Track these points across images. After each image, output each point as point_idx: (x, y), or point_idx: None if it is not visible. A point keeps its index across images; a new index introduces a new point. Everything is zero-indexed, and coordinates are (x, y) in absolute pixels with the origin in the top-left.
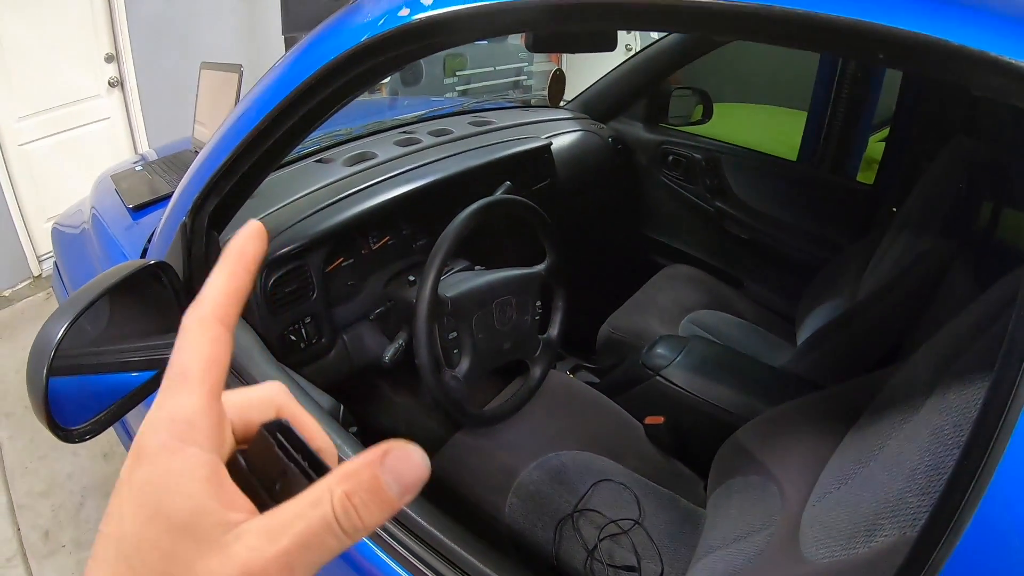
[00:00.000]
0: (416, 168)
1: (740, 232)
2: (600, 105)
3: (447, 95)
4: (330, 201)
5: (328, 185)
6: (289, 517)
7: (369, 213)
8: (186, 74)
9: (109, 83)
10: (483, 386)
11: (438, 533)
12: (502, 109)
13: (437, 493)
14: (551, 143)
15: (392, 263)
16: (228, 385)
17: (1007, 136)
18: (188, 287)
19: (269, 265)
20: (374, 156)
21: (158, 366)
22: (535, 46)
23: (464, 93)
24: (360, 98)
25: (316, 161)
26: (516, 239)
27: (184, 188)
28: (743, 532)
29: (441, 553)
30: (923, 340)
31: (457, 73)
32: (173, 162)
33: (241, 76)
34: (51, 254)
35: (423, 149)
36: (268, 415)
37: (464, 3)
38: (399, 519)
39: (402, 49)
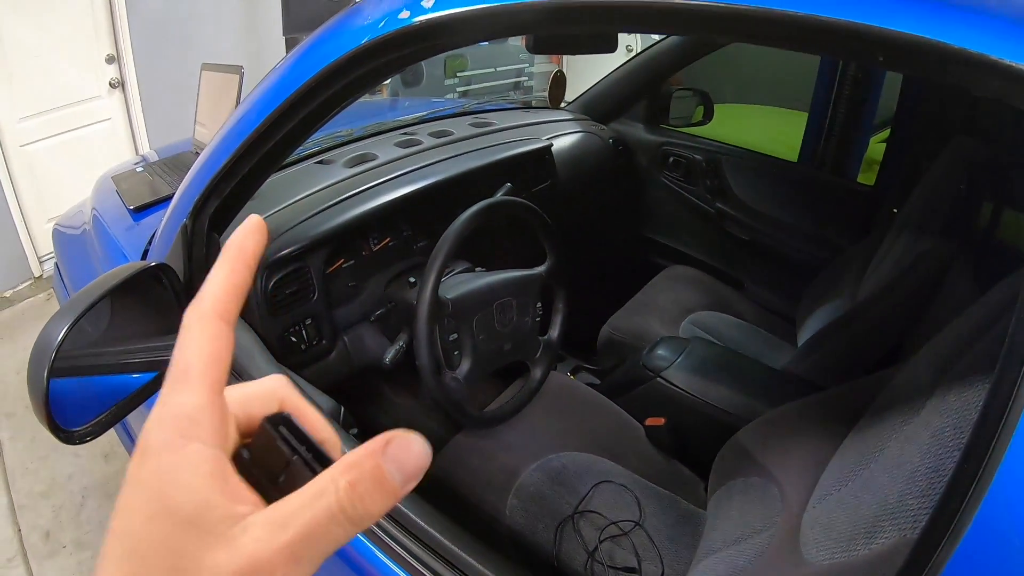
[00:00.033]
0: (417, 169)
1: (741, 233)
2: (601, 106)
3: (448, 96)
4: (331, 203)
5: (329, 186)
6: (294, 508)
7: (370, 214)
8: (187, 75)
9: (110, 84)
10: (483, 387)
11: (438, 535)
12: (503, 110)
13: (437, 494)
14: (552, 144)
15: (393, 264)
16: (227, 384)
17: (1008, 136)
18: (189, 289)
19: (270, 267)
20: (375, 157)
21: (159, 367)
22: (536, 47)
23: (465, 94)
24: (361, 99)
25: (317, 162)
26: (517, 240)
27: (185, 190)
28: (744, 533)
29: (441, 555)
30: (924, 341)
31: (458, 74)
32: (174, 163)
33: (242, 77)
34: (52, 255)
35: (424, 150)
36: (271, 408)
37: (464, 5)
38: (400, 520)
39: (403, 51)
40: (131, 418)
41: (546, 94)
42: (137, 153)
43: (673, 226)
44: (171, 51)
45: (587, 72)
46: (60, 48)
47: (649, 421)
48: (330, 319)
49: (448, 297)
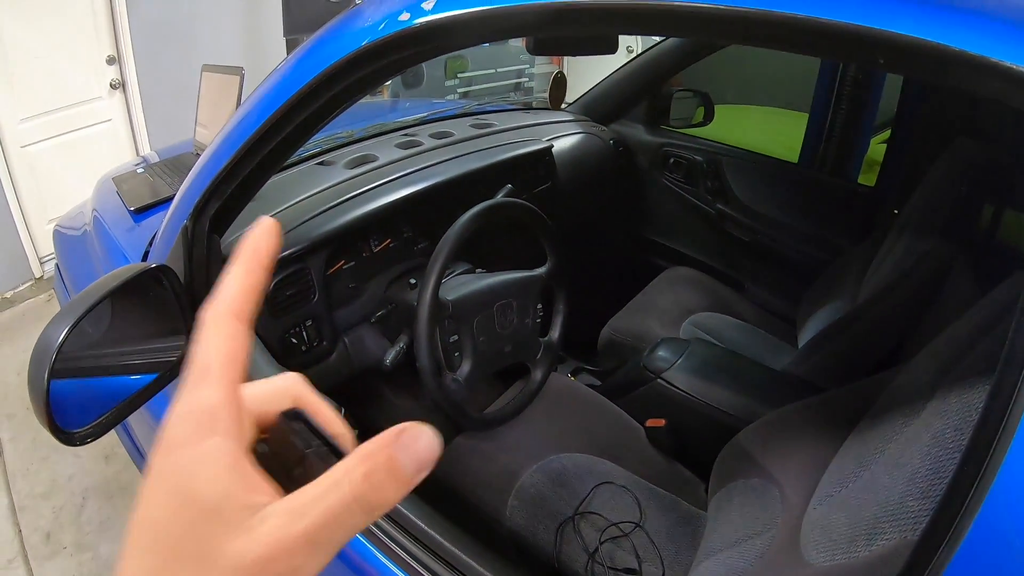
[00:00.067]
0: (417, 171)
1: (741, 234)
2: (601, 107)
3: (448, 97)
4: (332, 204)
5: (330, 188)
6: (311, 498)
7: (370, 216)
8: (187, 76)
9: (111, 85)
10: (484, 389)
11: (439, 536)
12: (503, 111)
13: (438, 496)
14: (552, 145)
15: (393, 266)
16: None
17: (1008, 137)
18: (189, 290)
19: None
20: (375, 159)
21: (159, 369)
22: (536, 49)
23: (465, 95)
24: (361, 100)
25: (318, 164)
26: (517, 242)
27: (185, 191)
28: (744, 535)
29: (442, 556)
30: (924, 343)
31: (458, 75)
32: (175, 164)
33: (242, 79)
34: (53, 256)
35: (424, 152)
36: (285, 405)
37: (465, 7)
38: (400, 522)
39: (403, 53)
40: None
41: (547, 95)
42: (138, 154)
43: (673, 227)
44: (172, 52)
45: (588, 73)
46: (61, 49)
47: (649, 422)
48: (331, 320)
49: (449, 298)
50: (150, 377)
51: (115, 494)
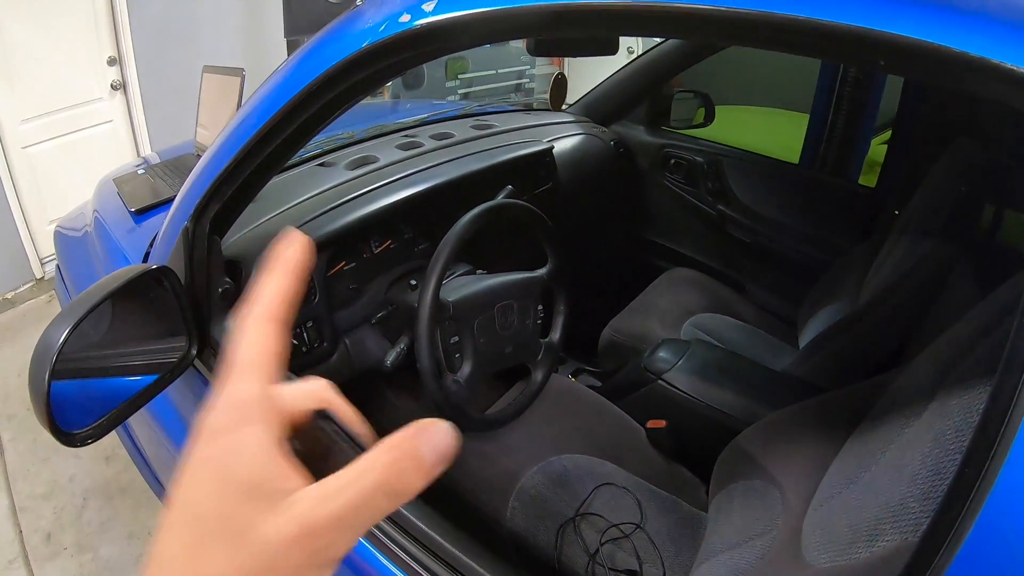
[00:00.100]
0: (418, 172)
1: (742, 235)
2: (602, 108)
3: (449, 98)
4: (332, 205)
5: (330, 189)
6: (341, 484)
7: (371, 217)
8: (188, 77)
9: (112, 86)
10: (485, 390)
11: (439, 538)
12: (504, 113)
13: (438, 497)
14: (553, 147)
15: (394, 267)
16: None
17: (1009, 138)
18: (190, 291)
19: None
20: (376, 160)
21: (160, 370)
22: (537, 50)
23: (466, 96)
24: (362, 101)
25: (318, 165)
26: (518, 243)
27: (186, 192)
28: (745, 536)
29: (442, 557)
30: (926, 344)
31: (459, 76)
32: (175, 165)
33: (243, 80)
34: (53, 256)
35: (425, 153)
36: (313, 406)
37: (465, 9)
38: (401, 524)
39: (404, 55)
40: (132, 421)
41: (547, 96)
42: (138, 155)
43: (674, 228)
44: (173, 53)
45: (588, 74)
46: (62, 50)
47: (650, 423)
48: (331, 322)
49: (449, 300)
50: (151, 378)
51: (116, 495)
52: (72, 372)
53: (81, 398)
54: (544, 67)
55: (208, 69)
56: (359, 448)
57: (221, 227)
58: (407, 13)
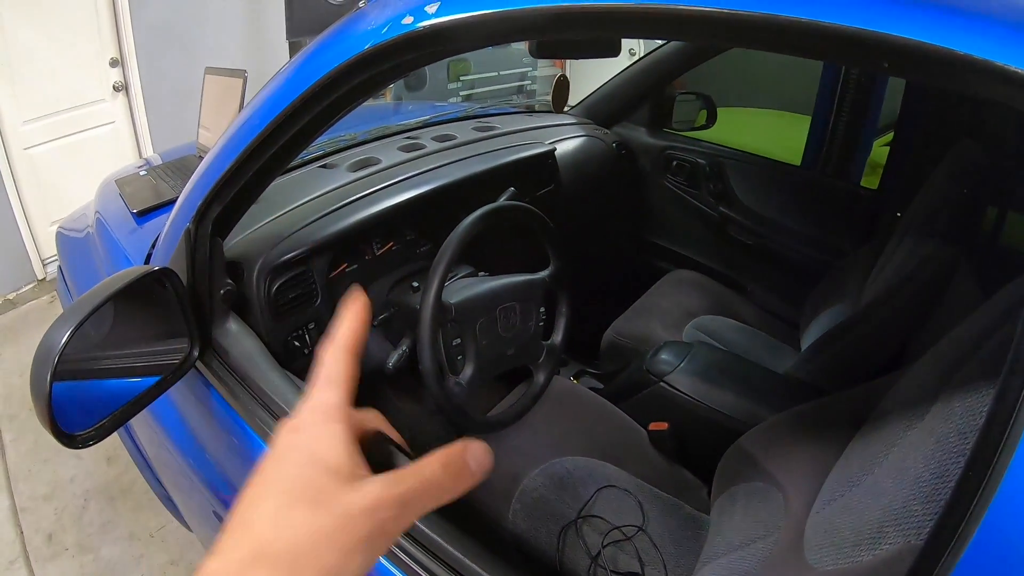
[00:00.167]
0: (420, 174)
1: (744, 237)
2: (604, 110)
3: (451, 100)
4: (334, 207)
5: (332, 191)
6: (405, 474)
7: (373, 219)
8: (190, 79)
9: (114, 87)
10: (487, 392)
11: (441, 540)
12: (506, 114)
13: None
14: (555, 148)
15: (396, 269)
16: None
17: (1011, 140)
18: (192, 293)
19: (272, 271)
20: (378, 162)
21: (162, 372)
22: (539, 52)
23: (468, 98)
24: (364, 103)
25: (320, 167)
26: (520, 245)
27: (188, 194)
28: (747, 538)
29: (444, 560)
30: (928, 346)
31: (461, 78)
32: (177, 167)
33: (245, 81)
34: (55, 258)
35: (427, 155)
36: (372, 428)
37: (468, 11)
38: None
39: (406, 57)
40: (134, 422)
41: (549, 98)
42: (141, 156)
43: (676, 230)
44: (175, 54)
45: (590, 76)
46: (64, 51)
47: (652, 426)
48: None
49: (451, 302)
50: (152, 380)
51: (117, 496)
52: (74, 373)
53: (83, 399)
54: (546, 69)
55: (210, 70)
56: (411, 460)
57: (223, 229)
58: (410, 15)
